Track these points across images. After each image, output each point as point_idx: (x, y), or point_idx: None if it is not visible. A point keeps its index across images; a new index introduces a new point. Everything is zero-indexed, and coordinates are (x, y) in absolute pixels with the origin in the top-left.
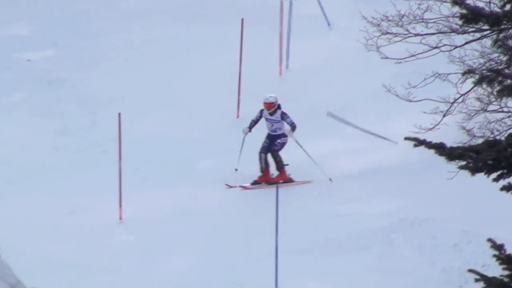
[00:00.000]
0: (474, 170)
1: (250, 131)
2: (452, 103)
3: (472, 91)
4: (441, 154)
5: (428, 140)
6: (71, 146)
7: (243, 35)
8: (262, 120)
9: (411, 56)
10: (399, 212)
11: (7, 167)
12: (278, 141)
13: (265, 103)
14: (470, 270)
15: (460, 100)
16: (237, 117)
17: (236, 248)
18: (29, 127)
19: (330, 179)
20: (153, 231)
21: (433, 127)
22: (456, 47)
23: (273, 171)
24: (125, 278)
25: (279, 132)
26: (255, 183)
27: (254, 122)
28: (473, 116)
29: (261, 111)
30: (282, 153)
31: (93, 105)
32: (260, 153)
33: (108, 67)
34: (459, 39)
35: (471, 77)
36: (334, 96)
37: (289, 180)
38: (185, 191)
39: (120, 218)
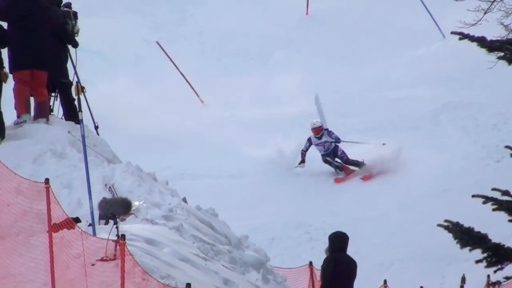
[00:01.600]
0: (510, 60)
1: (304, 162)
2: (493, 1)
3: None
4: (482, 46)
5: (471, 34)
6: (161, 40)
7: None
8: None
9: None
10: (445, 96)
11: (105, 58)
12: (338, 153)
13: (313, 129)
14: (507, 147)
15: None
16: (306, 14)
17: (303, 128)
18: (124, 23)
19: (383, 144)
20: (233, 114)
21: (476, 23)
22: None
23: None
24: (205, 153)
25: (331, 148)
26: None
27: (305, 152)
28: (510, 13)
29: (309, 139)
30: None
31: (181, 4)
32: (325, 159)
33: None
34: None
35: None
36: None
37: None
38: (261, 78)
39: (202, 102)
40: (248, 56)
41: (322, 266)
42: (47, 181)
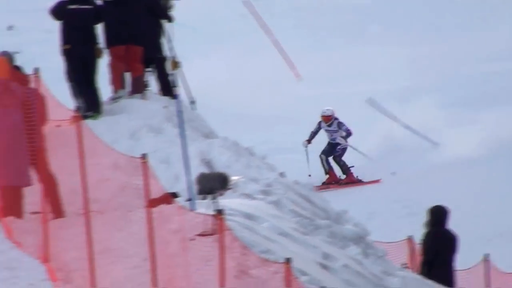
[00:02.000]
0: None
1: (309, 143)
2: None
3: None
4: None
5: None
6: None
7: None
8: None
9: None
10: None
11: (200, 33)
12: (338, 147)
13: (322, 116)
14: None
15: None
16: None
17: (403, 99)
18: None
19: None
20: (328, 88)
21: None
22: None
23: (340, 174)
24: (302, 128)
25: (338, 140)
26: (324, 185)
27: (314, 134)
28: None
29: (319, 123)
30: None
31: None
32: (320, 155)
33: None
34: None
35: None
36: None
37: (357, 181)
38: (356, 52)
39: (298, 76)
40: (343, 30)
41: (422, 240)
42: (144, 156)
